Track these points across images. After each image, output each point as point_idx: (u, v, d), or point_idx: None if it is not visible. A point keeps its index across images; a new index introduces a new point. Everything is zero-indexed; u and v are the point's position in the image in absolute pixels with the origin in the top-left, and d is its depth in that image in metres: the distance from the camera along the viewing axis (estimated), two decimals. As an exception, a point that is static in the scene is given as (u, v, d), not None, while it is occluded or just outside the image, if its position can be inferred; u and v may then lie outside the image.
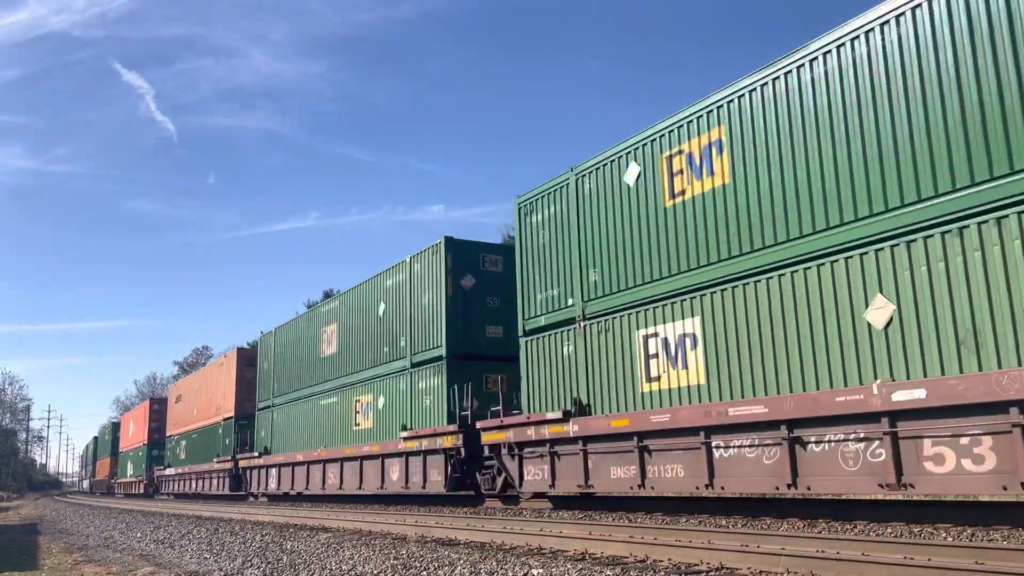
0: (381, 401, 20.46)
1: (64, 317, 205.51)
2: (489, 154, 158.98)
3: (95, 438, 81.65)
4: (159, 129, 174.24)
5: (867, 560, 5.81)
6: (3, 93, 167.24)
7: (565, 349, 14.25)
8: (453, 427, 16.88)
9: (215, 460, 32.83)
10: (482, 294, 18.64)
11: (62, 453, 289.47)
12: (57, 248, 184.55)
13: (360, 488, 20.92)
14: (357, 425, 21.78)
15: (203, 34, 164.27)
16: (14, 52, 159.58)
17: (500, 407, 15.30)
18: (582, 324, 13.84)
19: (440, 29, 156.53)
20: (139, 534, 15.34)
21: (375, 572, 7.57)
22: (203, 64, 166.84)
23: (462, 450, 16.60)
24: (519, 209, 15.85)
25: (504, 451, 15.29)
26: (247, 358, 32.15)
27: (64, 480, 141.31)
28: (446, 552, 8.50)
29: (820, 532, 8.73)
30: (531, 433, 14.35)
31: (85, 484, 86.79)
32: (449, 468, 17.19)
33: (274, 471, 27.19)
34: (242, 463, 30.05)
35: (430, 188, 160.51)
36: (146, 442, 48.62)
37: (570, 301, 14.24)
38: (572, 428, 13.37)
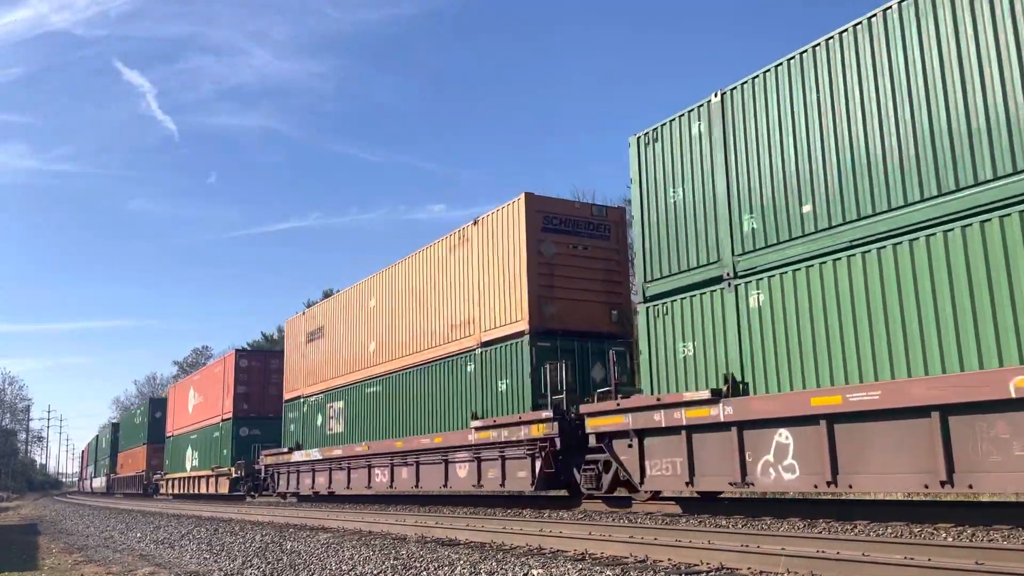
0: None
1: (64, 317, 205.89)
2: (490, 153, 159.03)
3: (112, 424, 67.54)
4: (160, 128, 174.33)
5: (867, 560, 5.80)
6: (5, 92, 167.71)
7: None
8: None
9: (473, 426, 16.55)
10: None
11: (62, 453, 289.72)
12: (58, 248, 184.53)
13: None
14: None
15: (204, 33, 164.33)
16: (16, 51, 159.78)
17: None
18: None
19: (442, 27, 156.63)
20: (139, 534, 15.35)
21: (375, 572, 7.57)
22: (204, 63, 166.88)
23: None
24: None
25: None
26: (543, 213, 16.35)
27: (64, 480, 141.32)
28: (446, 552, 8.51)
29: (820, 532, 8.74)
30: None
31: (95, 483, 70.58)
32: None
33: (785, 436, 10.34)
34: (607, 422, 12.99)
35: (431, 187, 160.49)
36: (229, 416, 32.20)
37: None
38: None
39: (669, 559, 7.07)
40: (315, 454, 24.31)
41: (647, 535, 8.37)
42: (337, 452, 22.88)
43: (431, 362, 19.12)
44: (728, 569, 6.49)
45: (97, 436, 76.88)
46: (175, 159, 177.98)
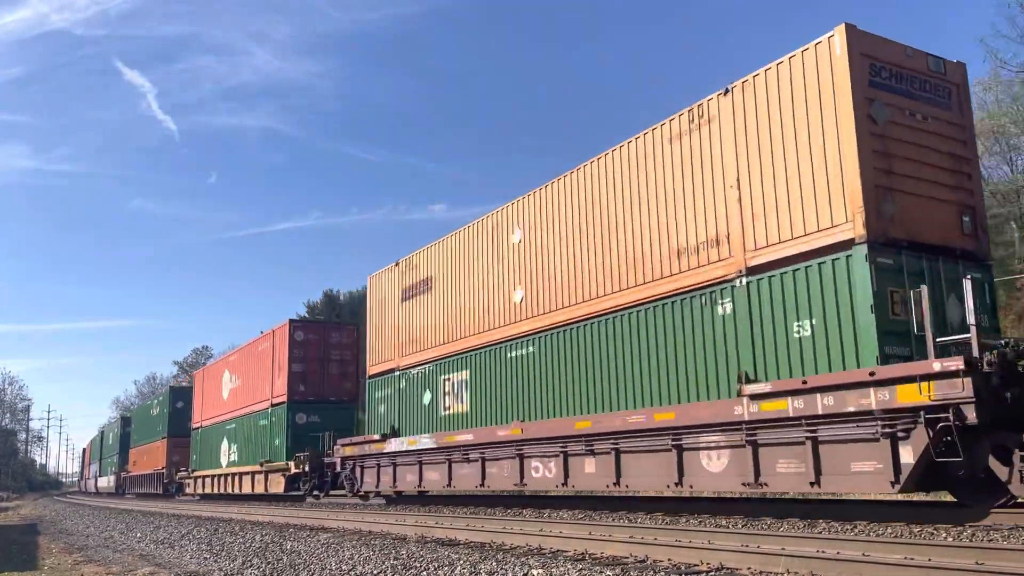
0: None
1: (64, 317, 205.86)
2: (491, 153, 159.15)
3: (122, 417, 60.61)
4: (161, 128, 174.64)
5: (867, 560, 5.80)
6: (5, 92, 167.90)
7: None
8: None
9: (747, 393, 11.04)
10: None
11: (62, 453, 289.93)
12: (58, 248, 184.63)
13: None
14: None
15: (205, 32, 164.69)
16: (16, 50, 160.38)
17: None
18: None
19: (443, 27, 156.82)
20: (139, 534, 15.34)
21: (375, 572, 7.57)
22: (205, 63, 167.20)
23: None
24: None
25: None
26: (869, 59, 10.77)
27: (64, 480, 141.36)
28: (446, 552, 8.51)
29: (820, 532, 8.74)
30: None
31: (101, 483, 64.52)
32: None
33: None
34: None
35: (432, 187, 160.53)
36: (282, 400, 26.37)
37: None
38: None
39: (669, 559, 7.07)
40: (425, 441, 18.36)
41: (647, 535, 8.36)
42: (463, 438, 16.99)
43: (638, 306, 13.26)
44: (728, 569, 6.49)
45: (102, 432, 70.64)
46: (175, 159, 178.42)
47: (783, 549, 6.56)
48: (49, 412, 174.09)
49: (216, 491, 33.31)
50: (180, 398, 42.81)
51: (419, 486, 18.95)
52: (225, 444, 32.28)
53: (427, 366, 19.32)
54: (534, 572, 6.72)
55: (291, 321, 27.53)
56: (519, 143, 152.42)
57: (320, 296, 67.58)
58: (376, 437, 20.55)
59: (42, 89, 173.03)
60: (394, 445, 19.62)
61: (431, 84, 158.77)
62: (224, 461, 32.24)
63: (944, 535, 8.17)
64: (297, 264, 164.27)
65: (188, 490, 38.46)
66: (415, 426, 19.48)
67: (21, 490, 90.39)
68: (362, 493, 21.78)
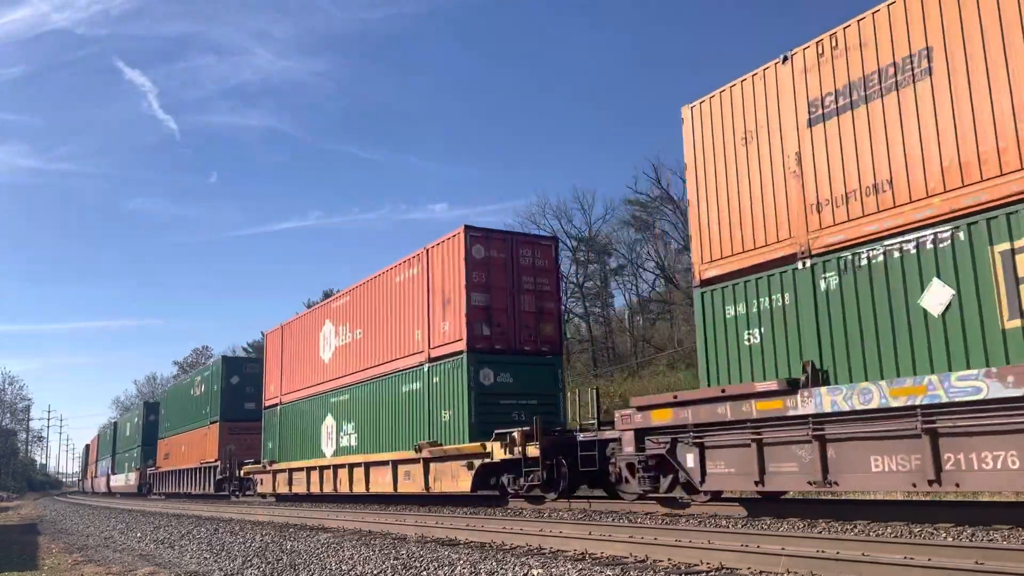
0: None
1: (64, 317, 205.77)
2: (492, 153, 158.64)
3: (146, 404, 52.62)
4: (161, 127, 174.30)
5: (867, 560, 5.81)
6: (5, 91, 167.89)
7: None
8: None
9: None
10: None
11: (62, 453, 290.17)
12: (58, 248, 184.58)
13: None
14: None
15: (206, 32, 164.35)
16: (16, 50, 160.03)
17: None
18: None
19: (445, 27, 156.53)
20: (139, 534, 15.35)
21: (375, 572, 7.57)
22: (206, 62, 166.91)
23: None
24: None
25: None
26: None
27: (64, 480, 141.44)
28: (446, 552, 8.51)
29: (820, 532, 8.74)
30: None
31: (115, 482, 56.62)
32: None
33: None
34: None
35: (433, 187, 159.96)
36: (457, 349, 17.04)
37: None
38: None
39: (669, 559, 7.07)
40: (962, 388, 8.26)
41: (647, 535, 8.37)
42: None
43: None
44: (728, 569, 6.50)
45: (115, 423, 62.27)
46: (176, 159, 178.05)
47: (783, 549, 6.56)
48: (49, 412, 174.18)
49: (315, 491, 23.70)
50: (237, 371, 34.00)
51: (937, 478, 8.64)
52: (330, 424, 23.49)
53: (926, 234, 9.27)
54: (534, 572, 6.73)
55: (466, 228, 17.63)
56: (520, 143, 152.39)
57: (320, 297, 67.63)
58: (772, 386, 10.35)
59: (42, 89, 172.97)
60: (818, 402, 9.77)
61: (432, 83, 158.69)
62: (329, 449, 23.33)
63: (944, 535, 8.17)
64: (297, 264, 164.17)
65: (260, 488, 28.48)
66: (885, 363, 9.56)
67: (21, 490, 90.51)
68: (706, 492, 11.64)
